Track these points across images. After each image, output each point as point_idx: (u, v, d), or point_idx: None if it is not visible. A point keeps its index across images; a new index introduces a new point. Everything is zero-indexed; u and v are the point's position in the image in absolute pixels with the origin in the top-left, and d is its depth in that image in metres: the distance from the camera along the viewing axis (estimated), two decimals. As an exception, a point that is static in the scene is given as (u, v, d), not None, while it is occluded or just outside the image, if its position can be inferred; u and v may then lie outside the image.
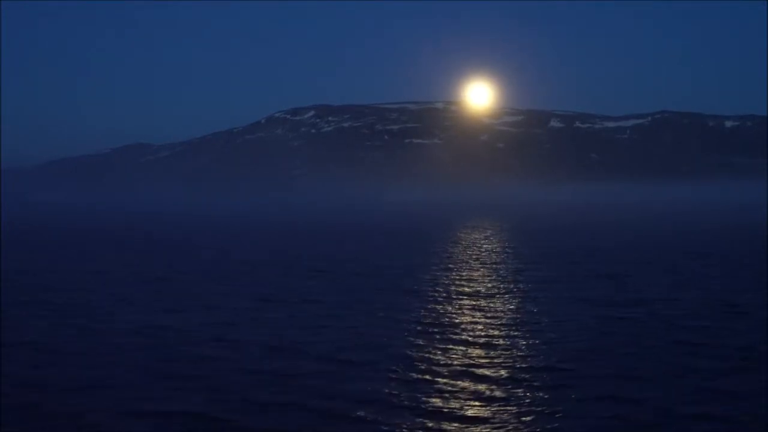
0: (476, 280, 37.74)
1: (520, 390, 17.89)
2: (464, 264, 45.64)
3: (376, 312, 28.06)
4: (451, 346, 22.38)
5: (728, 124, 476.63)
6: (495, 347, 22.23)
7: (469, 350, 21.91)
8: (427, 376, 19.15)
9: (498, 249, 57.38)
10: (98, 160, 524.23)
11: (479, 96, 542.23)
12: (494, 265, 44.85)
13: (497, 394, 17.66)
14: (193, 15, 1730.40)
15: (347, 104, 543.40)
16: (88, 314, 27.70)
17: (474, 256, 50.78)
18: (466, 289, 34.13)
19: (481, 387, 18.23)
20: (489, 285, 35.81)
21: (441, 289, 34.12)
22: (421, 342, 22.98)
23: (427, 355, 21.37)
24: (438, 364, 20.32)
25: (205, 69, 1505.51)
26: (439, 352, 21.65)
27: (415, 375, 19.29)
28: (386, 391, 17.93)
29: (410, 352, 21.58)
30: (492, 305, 29.65)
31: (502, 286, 35.46)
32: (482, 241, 65.85)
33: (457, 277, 38.66)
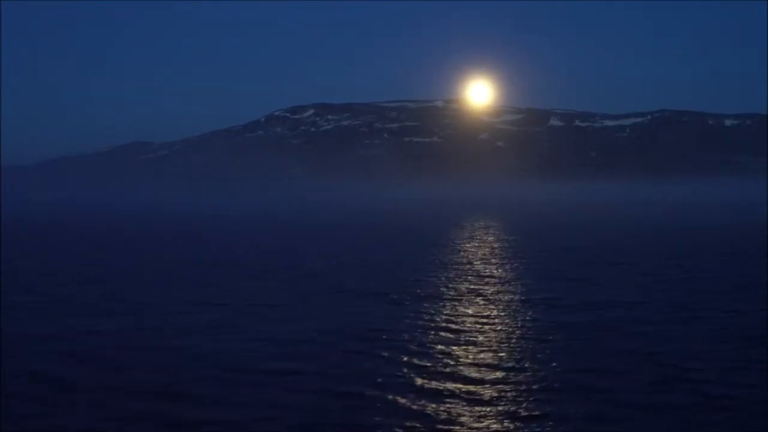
0: (439, 280, 36.51)
1: (404, 398, 16.78)
2: (435, 264, 44.39)
3: (312, 317, 26.80)
4: (370, 353, 21.20)
5: (728, 122, 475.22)
6: (415, 354, 21.05)
7: (387, 357, 20.73)
8: (330, 385, 18.01)
9: (477, 248, 56.15)
10: (98, 158, 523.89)
11: (479, 94, 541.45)
12: (466, 266, 43.61)
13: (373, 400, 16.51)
14: (192, 14, 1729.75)
15: (347, 103, 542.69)
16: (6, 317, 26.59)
17: (449, 256, 49.53)
18: (421, 292, 32.88)
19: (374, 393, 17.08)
20: (449, 286, 34.56)
21: (397, 292, 32.89)
22: (339, 349, 21.78)
23: (338, 362, 20.22)
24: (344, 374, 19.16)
25: (204, 68, 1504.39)
26: (353, 361, 20.48)
27: (325, 385, 18.13)
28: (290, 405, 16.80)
29: (324, 360, 20.39)
30: (440, 308, 28.44)
31: (462, 287, 34.23)
32: (464, 241, 64.64)
33: (422, 279, 37.43)
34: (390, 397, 17.25)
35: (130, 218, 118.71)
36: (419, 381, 18.48)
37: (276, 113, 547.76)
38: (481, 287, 34.08)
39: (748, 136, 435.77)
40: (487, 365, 19.82)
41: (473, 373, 19.10)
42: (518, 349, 21.68)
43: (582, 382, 18.29)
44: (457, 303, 29.64)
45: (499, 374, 18.97)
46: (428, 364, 20.00)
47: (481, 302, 29.80)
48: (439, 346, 21.99)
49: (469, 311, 27.78)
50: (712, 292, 32.59)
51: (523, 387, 17.89)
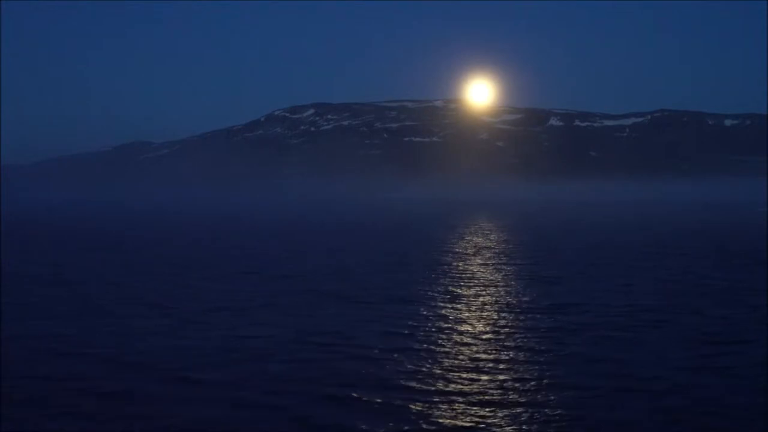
0: (416, 282, 35.88)
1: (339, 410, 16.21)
2: (417, 266, 43.75)
3: (272, 322, 26.16)
4: (319, 359, 20.62)
5: (728, 122, 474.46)
6: (361, 359, 20.49)
7: (329, 363, 20.15)
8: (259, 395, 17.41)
9: (465, 250, 55.54)
10: (99, 157, 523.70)
11: (479, 94, 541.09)
12: (448, 267, 42.97)
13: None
14: (192, 14, 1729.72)
15: (346, 102, 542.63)
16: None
17: (434, 257, 48.87)
18: (395, 293, 32.28)
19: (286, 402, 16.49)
20: (424, 289, 33.95)
21: (371, 294, 32.29)
22: (280, 354, 21.17)
23: (271, 371, 19.62)
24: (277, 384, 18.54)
25: (204, 68, 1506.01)
26: (294, 368, 19.87)
27: (252, 396, 17.56)
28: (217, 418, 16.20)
29: (255, 369, 19.78)
30: (408, 312, 27.82)
31: (438, 289, 33.57)
32: (453, 242, 64.02)
33: (400, 281, 36.80)
34: (315, 410, 16.67)
35: (125, 218, 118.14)
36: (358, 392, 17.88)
37: (276, 113, 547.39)
38: (456, 290, 33.43)
39: (748, 136, 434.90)
40: (433, 375, 19.18)
41: (414, 384, 18.50)
42: (470, 356, 21.07)
43: (522, 391, 17.70)
44: (426, 306, 29.04)
45: (440, 385, 18.35)
46: (378, 371, 19.40)
47: (451, 305, 29.18)
48: (395, 354, 21.36)
49: (436, 314, 27.17)
50: (688, 294, 31.99)
51: (459, 398, 17.29)
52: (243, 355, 21.12)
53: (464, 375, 18.97)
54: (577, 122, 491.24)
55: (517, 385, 18.09)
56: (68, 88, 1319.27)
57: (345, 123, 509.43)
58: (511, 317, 26.67)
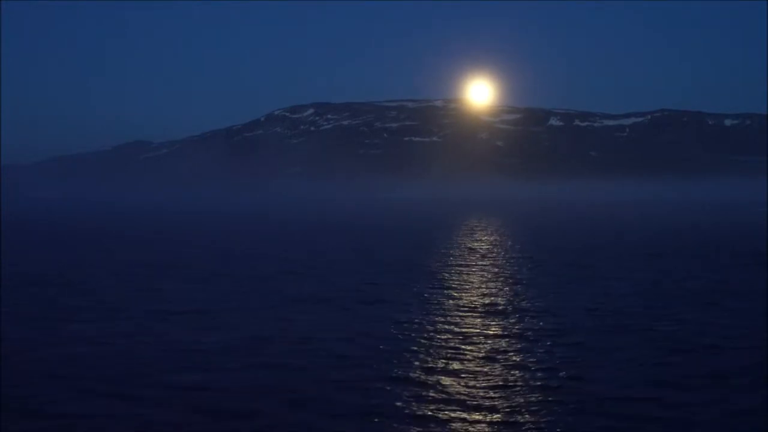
0: (389, 284, 35.26)
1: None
2: (398, 267, 43.17)
3: (236, 326, 25.57)
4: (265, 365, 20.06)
5: (728, 122, 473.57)
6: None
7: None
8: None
9: (452, 251, 54.93)
10: (99, 157, 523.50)
11: (478, 94, 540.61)
12: (429, 269, 42.33)
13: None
14: (192, 14, 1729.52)
15: (346, 102, 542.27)
16: None
17: (419, 258, 48.23)
18: (363, 295, 31.69)
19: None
20: (399, 291, 33.35)
21: (344, 297, 31.71)
22: (241, 362, 20.61)
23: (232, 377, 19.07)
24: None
25: (204, 67, 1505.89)
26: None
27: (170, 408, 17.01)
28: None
29: (216, 374, 19.27)
30: (369, 315, 27.24)
31: (412, 292, 32.94)
32: (444, 242, 63.38)
33: (377, 282, 36.20)
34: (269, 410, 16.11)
35: (120, 217, 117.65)
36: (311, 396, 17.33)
37: (276, 113, 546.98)
38: (427, 292, 32.81)
39: (748, 136, 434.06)
40: (391, 379, 18.65)
41: (378, 386, 17.93)
42: (429, 360, 20.52)
43: (470, 395, 17.16)
44: (394, 309, 28.47)
45: (395, 388, 17.81)
46: (340, 377, 18.85)
47: (419, 308, 28.58)
48: (356, 358, 20.82)
49: (406, 318, 26.60)
50: (664, 297, 31.36)
51: (413, 402, 16.75)
52: (198, 359, 20.59)
53: (391, 386, 18.37)
54: (577, 122, 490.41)
55: (473, 390, 17.52)
56: (68, 88, 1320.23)
57: (345, 123, 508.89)
58: (477, 321, 26.09)
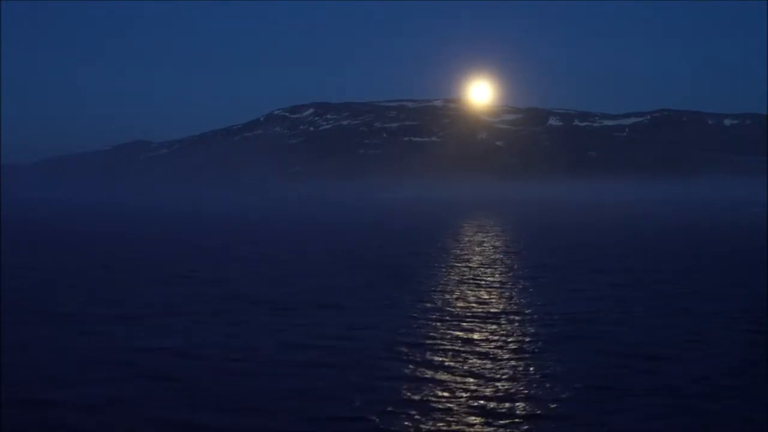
0: (357, 287, 34.39)
1: None
2: (372, 268, 42.34)
3: (173, 333, 24.62)
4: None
5: (727, 122, 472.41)
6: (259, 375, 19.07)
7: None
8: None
9: (440, 252, 54.07)
10: (98, 157, 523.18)
11: (478, 94, 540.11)
12: (401, 270, 41.50)
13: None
14: (192, 13, 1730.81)
15: (346, 102, 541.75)
16: None
17: (402, 260, 47.43)
18: (324, 299, 30.79)
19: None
20: (363, 294, 32.48)
21: (292, 299, 30.89)
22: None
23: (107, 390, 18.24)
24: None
25: (204, 67, 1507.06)
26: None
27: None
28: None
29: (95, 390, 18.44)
30: (324, 320, 26.38)
31: (375, 295, 32.07)
32: (435, 243, 62.51)
33: (335, 285, 35.39)
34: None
35: (114, 217, 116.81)
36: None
37: (275, 112, 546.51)
38: (394, 295, 31.93)
39: (748, 135, 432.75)
40: (319, 394, 17.83)
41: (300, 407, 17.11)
42: (362, 372, 19.66)
43: (424, 397, 16.34)
44: (354, 313, 27.63)
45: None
46: (266, 385, 18.03)
47: (378, 312, 27.73)
48: (295, 367, 19.98)
49: (356, 322, 25.75)
50: (629, 301, 30.49)
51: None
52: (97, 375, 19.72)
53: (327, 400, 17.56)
54: (576, 122, 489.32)
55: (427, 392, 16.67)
56: (68, 88, 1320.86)
57: (344, 122, 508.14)
58: (438, 325, 25.23)
